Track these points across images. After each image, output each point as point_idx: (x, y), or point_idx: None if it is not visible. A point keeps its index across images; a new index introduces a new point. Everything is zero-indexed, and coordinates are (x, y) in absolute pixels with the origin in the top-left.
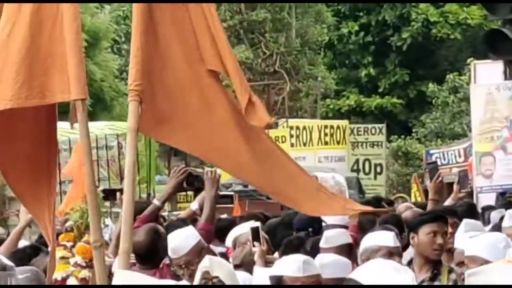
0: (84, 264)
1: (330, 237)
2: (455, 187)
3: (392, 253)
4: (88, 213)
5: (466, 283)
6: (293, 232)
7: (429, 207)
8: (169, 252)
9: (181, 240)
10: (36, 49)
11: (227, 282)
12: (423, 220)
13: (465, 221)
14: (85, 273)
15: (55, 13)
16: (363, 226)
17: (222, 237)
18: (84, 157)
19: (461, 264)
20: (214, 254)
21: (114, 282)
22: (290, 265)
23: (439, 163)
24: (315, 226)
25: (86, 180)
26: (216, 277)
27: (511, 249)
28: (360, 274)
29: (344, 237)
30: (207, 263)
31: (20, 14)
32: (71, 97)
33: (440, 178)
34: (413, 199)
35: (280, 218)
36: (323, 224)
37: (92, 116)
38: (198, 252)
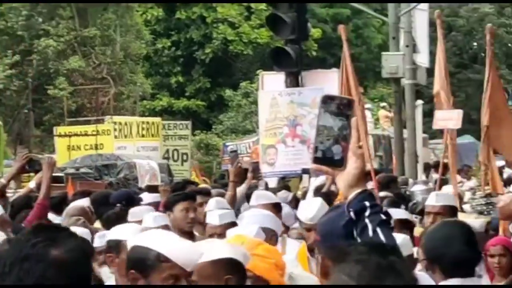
0: None
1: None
2: (249, 175)
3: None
4: None
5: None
6: (110, 205)
7: (230, 187)
8: None
9: None
10: None
11: None
12: (177, 199)
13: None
14: None
15: None
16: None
17: (57, 210)
18: None
19: (212, 236)
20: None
21: None
22: (130, 232)
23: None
24: (126, 201)
25: None
26: None
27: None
28: (141, 239)
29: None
30: None
31: None
32: None
33: (240, 164)
34: None
35: (99, 194)
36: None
37: None
38: None
